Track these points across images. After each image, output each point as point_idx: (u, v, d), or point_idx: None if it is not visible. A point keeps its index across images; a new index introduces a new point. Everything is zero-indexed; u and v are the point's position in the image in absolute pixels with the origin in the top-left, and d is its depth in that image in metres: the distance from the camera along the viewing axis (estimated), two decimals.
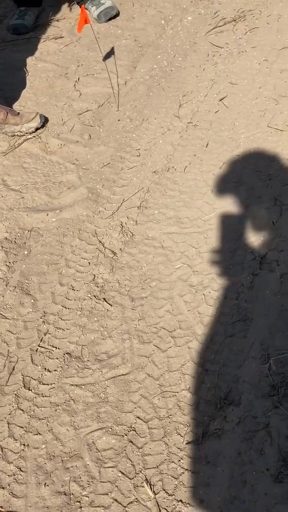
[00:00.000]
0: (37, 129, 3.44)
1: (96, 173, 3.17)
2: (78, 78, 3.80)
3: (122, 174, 3.13)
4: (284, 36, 3.73)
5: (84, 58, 3.98)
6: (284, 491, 1.95)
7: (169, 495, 2.02)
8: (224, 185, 2.92)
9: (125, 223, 2.88)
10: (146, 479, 2.07)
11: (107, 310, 2.57)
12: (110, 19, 4.29)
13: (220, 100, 3.41)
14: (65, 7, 4.53)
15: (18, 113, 3.42)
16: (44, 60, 4.02)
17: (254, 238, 2.65)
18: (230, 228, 2.73)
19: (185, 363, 2.35)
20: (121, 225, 2.87)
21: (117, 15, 4.32)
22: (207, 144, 3.17)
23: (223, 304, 2.49)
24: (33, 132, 3.43)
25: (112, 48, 3.96)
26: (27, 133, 3.41)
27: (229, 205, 2.82)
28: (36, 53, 4.10)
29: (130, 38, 4.08)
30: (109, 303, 2.59)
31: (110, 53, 3.92)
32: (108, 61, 3.86)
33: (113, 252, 2.77)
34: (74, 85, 3.77)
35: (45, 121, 3.49)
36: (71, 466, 2.14)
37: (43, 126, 3.47)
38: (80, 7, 3.86)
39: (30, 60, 4.03)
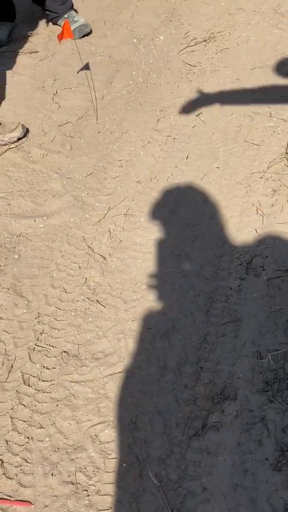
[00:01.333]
0: (19, 139, 3.51)
1: (80, 182, 3.26)
2: (56, 91, 3.90)
3: (106, 184, 3.23)
4: (254, 57, 3.91)
5: (60, 72, 4.07)
6: (284, 478, 2.07)
7: (173, 484, 2.11)
8: (205, 196, 3.05)
9: (113, 229, 2.98)
10: (150, 469, 2.15)
11: (101, 311, 2.66)
12: (83, 36, 4.40)
13: (197, 116, 3.55)
14: (40, 23, 4.61)
15: (0, 123, 3.49)
16: (20, 74, 4.10)
17: (239, 245, 2.78)
18: (215, 235, 2.86)
19: (180, 361, 2.45)
20: (109, 231, 2.97)
21: (90, 32, 4.44)
22: (187, 156, 3.31)
23: (213, 307, 2.60)
24: (15, 141, 3.50)
25: (87, 64, 4.06)
26: (9, 142, 3.48)
27: (213, 213, 2.95)
28: (12, 66, 4.17)
29: (104, 55, 4.20)
30: (102, 305, 2.68)
31: (86, 68, 4.03)
32: (84, 76, 3.96)
33: (103, 256, 2.86)
34: (52, 98, 3.86)
35: (26, 131, 3.57)
36: (76, 458, 2.21)
37: (24, 136, 3.55)
38: (53, 24, 3.97)
39: (6, 73, 4.10)
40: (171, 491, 2.09)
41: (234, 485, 2.07)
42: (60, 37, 3.41)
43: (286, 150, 3.15)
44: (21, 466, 2.20)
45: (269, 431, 2.18)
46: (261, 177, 3.06)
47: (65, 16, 4.41)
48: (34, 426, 2.31)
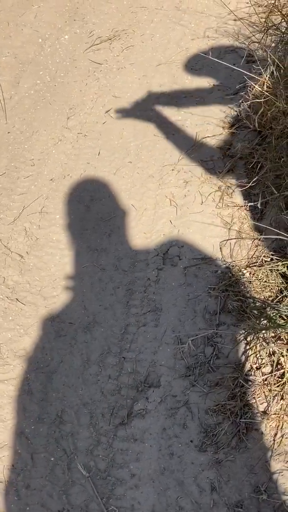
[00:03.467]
0: None
1: None
2: None
3: (19, 183, 3.22)
4: (159, 53, 3.96)
5: None
6: (209, 458, 2.12)
7: (102, 473, 2.14)
8: (119, 191, 3.08)
9: (29, 228, 2.97)
10: (78, 461, 2.17)
11: (21, 309, 2.65)
12: None
13: (106, 112, 3.58)
14: None
15: None
16: None
17: (155, 236, 2.83)
18: (131, 228, 2.90)
19: (103, 353, 2.47)
20: (25, 230, 2.96)
21: None
22: (99, 152, 3.33)
23: (132, 298, 2.64)
24: None
25: None
26: None
27: (127, 207, 2.98)
28: None
29: (9, 55, 4.18)
30: (22, 303, 2.67)
31: None
32: None
33: (20, 255, 2.85)
34: None
35: None
36: (3, 456, 2.21)
37: None
38: None
39: None
40: (100, 480, 2.12)
41: (161, 469, 2.11)
42: None
43: (196, 142, 3.22)
44: None
45: (193, 414, 2.23)
46: (173, 169, 3.11)
47: None
48: None
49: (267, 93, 2.75)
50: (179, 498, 2.05)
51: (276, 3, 3.10)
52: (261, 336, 2.28)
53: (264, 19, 3.47)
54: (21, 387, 2.40)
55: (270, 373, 2.23)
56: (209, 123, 3.29)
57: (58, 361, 2.47)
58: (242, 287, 2.52)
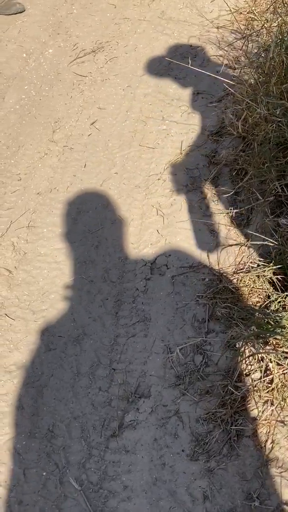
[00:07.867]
0: None
1: None
2: None
3: (6, 198, 3.23)
4: (143, 63, 3.97)
5: None
6: (201, 467, 2.12)
7: (94, 486, 2.13)
8: (105, 202, 3.09)
9: (16, 242, 2.97)
10: (71, 475, 2.16)
11: (10, 324, 2.65)
12: None
13: (92, 124, 3.59)
14: None
15: None
16: None
17: (142, 246, 2.83)
18: (118, 239, 2.90)
19: (93, 365, 2.47)
20: (13, 245, 2.96)
21: None
22: (85, 164, 3.34)
23: (121, 309, 2.64)
24: None
25: None
26: None
27: (114, 218, 2.99)
28: None
29: None
30: (11, 318, 2.67)
31: None
32: None
33: (8, 270, 2.85)
34: None
35: None
36: None
37: None
38: None
39: None
40: (93, 493, 2.11)
41: (153, 479, 2.11)
42: None
43: (181, 151, 3.22)
44: None
45: (184, 423, 2.23)
46: (159, 179, 3.12)
47: None
48: None
49: (248, 100, 2.76)
50: (172, 508, 2.05)
51: (253, 10, 3.11)
52: (250, 342, 2.28)
53: (245, 26, 3.49)
54: (12, 403, 2.40)
55: (259, 379, 2.23)
56: (194, 131, 3.31)
57: (48, 375, 2.47)
58: (230, 294, 2.52)
